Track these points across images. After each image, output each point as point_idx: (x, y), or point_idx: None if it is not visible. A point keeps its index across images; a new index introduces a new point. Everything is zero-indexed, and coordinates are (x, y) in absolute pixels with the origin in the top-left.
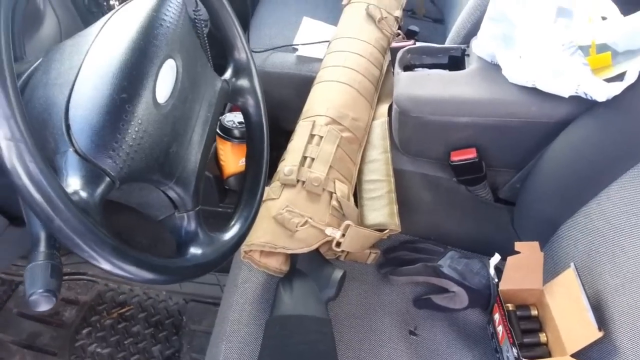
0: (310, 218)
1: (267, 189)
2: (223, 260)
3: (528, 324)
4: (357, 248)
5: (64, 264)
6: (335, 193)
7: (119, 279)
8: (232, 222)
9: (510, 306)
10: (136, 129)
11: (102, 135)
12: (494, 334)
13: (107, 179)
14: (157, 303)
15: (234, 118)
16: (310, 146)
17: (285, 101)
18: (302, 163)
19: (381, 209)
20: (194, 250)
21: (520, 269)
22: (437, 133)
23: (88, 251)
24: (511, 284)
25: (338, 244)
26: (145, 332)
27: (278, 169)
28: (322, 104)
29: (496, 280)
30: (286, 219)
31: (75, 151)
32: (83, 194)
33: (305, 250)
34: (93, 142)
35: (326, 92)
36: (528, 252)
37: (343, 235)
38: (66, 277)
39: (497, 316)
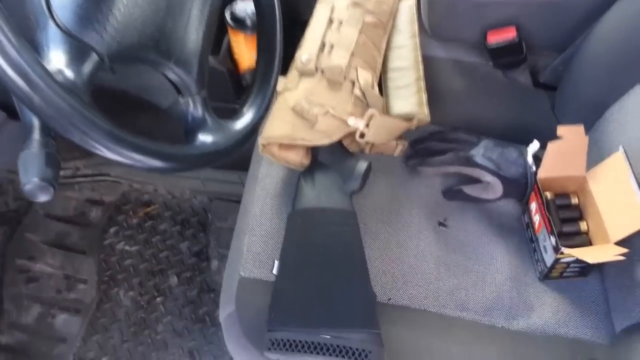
0: (332, 108)
1: (282, 79)
2: (235, 149)
3: (567, 213)
4: (382, 139)
5: (86, 166)
6: (358, 81)
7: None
8: (244, 110)
9: (548, 194)
10: (124, 1)
11: (84, 7)
12: (530, 224)
13: (95, 55)
14: (182, 202)
15: (245, 7)
16: (329, 31)
17: None
18: (320, 50)
19: (409, 98)
20: (203, 137)
21: (561, 155)
22: (471, 12)
23: (77, 134)
24: (551, 171)
25: (362, 135)
26: (172, 229)
27: (295, 57)
28: None
29: (534, 168)
30: (305, 109)
31: (57, 24)
32: (68, 73)
33: (327, 142)
34: (75, 14)
35: None
36: (571, 136)
37: (367, 125)
38: (89, 179)
39: (533, 205)
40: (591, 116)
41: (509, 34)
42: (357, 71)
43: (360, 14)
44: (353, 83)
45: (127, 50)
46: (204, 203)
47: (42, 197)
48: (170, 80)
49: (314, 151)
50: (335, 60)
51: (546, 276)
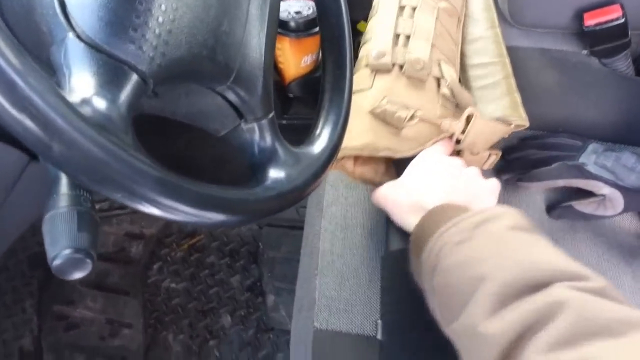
0: (419, 110)
1: (358, 74)
2: (315, 183)
3: None
4: (478, 147)
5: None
6: (444, 77)
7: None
8: (318, 130)
9: None
10: None
11: (113, 9)
12: None
13: (135, 76)
14: (229, 231)
15: (288, 7)
16: (401, 20)
17: None
18: (394, 42)
19: (499, 100)
20: (276, 173)
21: None
22: None
23: (118, 189)
24: None
25: (458, 141)
26: (220, 262)
27: (360, 54)
28: None
29: None
30: (389, 112)
31: (78, 36)
32: (98, 103)
33: (417, 151)
34: (101, 19)
35: None
36: None
37: (463, 130)
38: (127, 210)
39: None
40: None
41: (612, 13)
42: (440, 66)
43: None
44: (438, 80)
45: (177, 64)
46: (253, 231)
47: (78, 274)
48: (229, 102)
49: (398, 165)
50: (415, 53)
51: None
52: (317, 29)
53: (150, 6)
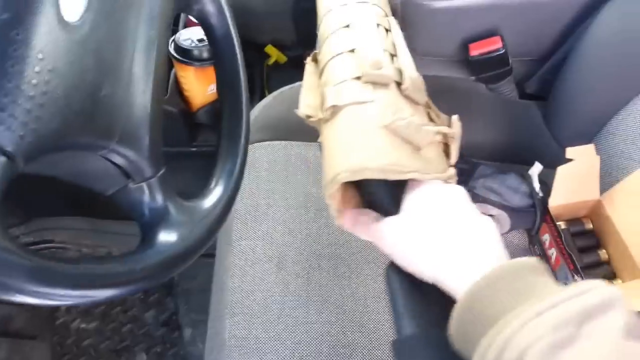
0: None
1: (343, 86)
2: (209, 241)
3: (583, 241)
4: None
5: (25, 233)
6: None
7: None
8: (213, 182)
9: (562, 224)
10: (37, 68)
11: None
12: (543, 257)
13: (1, 158)
14: None
15: (191, 35)
16: (381, 37)
17: (249, 6)
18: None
19: None
20: (166, 236)
21: (572, 179)
22: (449, 23)
23: None
24: (563, 198)
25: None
26: (133, 297)
27: (338, 61)
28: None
29: (541, 194)
30: (414, 126)
31: None
32: None
33: (437, 177)
34: None
35: None
36: (581, 157)
37: None
38: (31, 247)
39: (546, 237)
40: (589, 129)
41: (493, 44)
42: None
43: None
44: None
45: (50, 138)
46: None
47: None
48: (114, 164)
49: (397, 197)
50: (409, 69)
51: None
52: None
53: (20, 83)
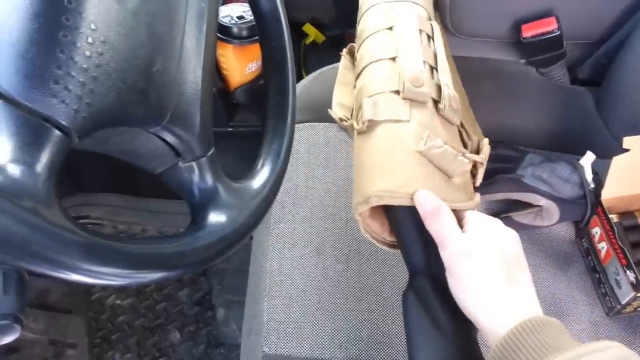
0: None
1: (381, 98)
2: (258, 222)
3: (636, 235)
4: None
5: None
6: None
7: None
8: (260, 161)
9: (614, 217)
10: (89, 39)
11: (32, 59)
12: (591, 251)
13: (57, 132)
14: None
15: (230, 12)
16: (423, 45)
17: None
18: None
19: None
20: (216, 217)
21: (627, 170)
22: (502, 3)
23: (41, 262)
24: (617, 190)
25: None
26: None
27: (365, 80)
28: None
29: (593, 185)
30: (449, 155)
31: None
32: (14, 169)
33: (472, 206)
34: (19, 72)
35: None
36: (638, 147)
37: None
38: None
39: (596, 230)
40: None
41: (548, 26)
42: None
43: (436, 23)
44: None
45: (104, 114)
46: None
47: (4, 340)
48: (165, 141)
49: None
50: (448, 87)
51: (617, 312)
52: None
53: (73, 54)
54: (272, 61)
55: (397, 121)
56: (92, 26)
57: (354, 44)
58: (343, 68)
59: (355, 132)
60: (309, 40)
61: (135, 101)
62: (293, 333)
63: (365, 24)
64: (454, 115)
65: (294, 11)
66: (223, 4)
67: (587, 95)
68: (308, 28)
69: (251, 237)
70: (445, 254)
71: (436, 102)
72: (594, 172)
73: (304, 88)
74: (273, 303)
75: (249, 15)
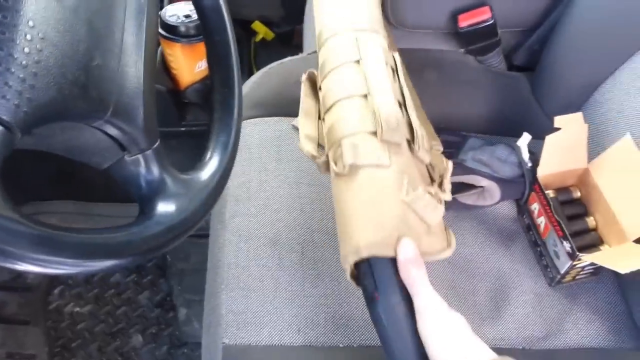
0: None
1: (360, 141)
2: (206, 212)
3: (571, 209)
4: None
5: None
6: (431, 165)
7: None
8: (208, 153)
9: (550, 192)
10: (28, 36)
11: None
12: (532, 226)
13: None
14: None
15: (177, 11)
16: (393, 83)
17: None
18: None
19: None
20: (164, 206)
21: (561, 148)
22: None
23: None
24: (551, 167)
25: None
26: (126, 280)
27: (333, 120)
28: (356, 10)
29: (530, 164)
30: (430, 204)
31: None
32: None
33: (446, 253)
34: None
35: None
36: (569, 126)
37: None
38: None
39: (535, 206)
40: (577, 99)
41: (482, 15)
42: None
43: (394, 53)
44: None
45: (45, 108)
46: None
47: None
48: (109, 135)
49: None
50: (419, 131)
51: (558, 282)
52: None
53: (12, 51)
54: (216, 56)
55: (378, 166)
56: (30, 23)
57: (313, 71)
58: (304, 96)
59: (332, 173)
60: (258, 38)
61: (76, 95)
62: (252, 322)
63: (328, 54)
64: (425, 154)
65: (243, 9)
66: (169, 3)
67: (523, 80)
68: (257, 26)
69: (207, 236)
70: (417, 300)
71: (409, 142)
72: (531, 152)
73: (253, 84)
74: (231, 295)
75: (196, 15)
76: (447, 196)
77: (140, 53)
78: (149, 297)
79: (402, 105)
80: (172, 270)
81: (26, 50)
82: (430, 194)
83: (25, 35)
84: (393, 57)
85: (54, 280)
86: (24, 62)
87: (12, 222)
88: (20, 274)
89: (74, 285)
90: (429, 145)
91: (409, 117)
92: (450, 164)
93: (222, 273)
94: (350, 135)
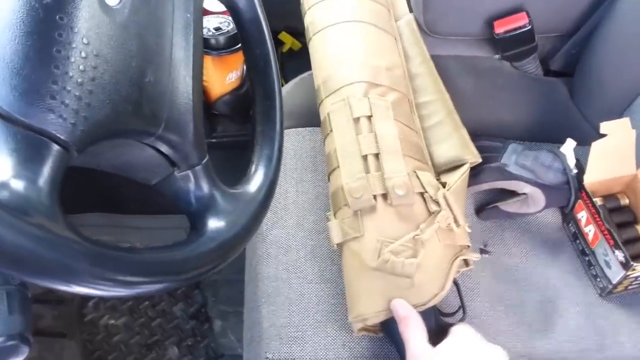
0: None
1: (331, 223)
2: (257, 226)
3: (620, 217)
4: (462, 208)
5: None
6: (427, 192)
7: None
8: (253, 166)
9: (598, 200)
10: (83, 53)
11: (28, 76)
12: (579, 235)
13: (56, 147)
14: None
15: (207, 24)
16: (362, 137)
17: None
18: (366, 169)
19: (449, 139)
20: (215, 222)
21: (608, 154)
22: (474, 2)
23: (51, 276)
24: (598, 174)
25: (456, 222)
26: None
27: (333, 188)
28: (344, 66)
29: (575, 171)
30: (398, 264)
31: None
32: (17, 184)
33: (442, 296)
34: (16, 89)
35: (338, 46)
36: (616, 131)
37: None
38: None
39: (582, 214)
40: (618, 104)
41: (519, 21)
42: (418, 177)
43: (381, 96)
44: (422, 195)
45: (101, 126)
46: None
47: None
48: (159, 152)
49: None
50: (393, 175)
51: (609, 292)
52: (239, 44)
53: (68, 69)
54: (256, 68)
55: (354, 238)
56: (85, 40)
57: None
58: None
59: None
60: (285, 49)
61: (130, 112)
62: (295, 337)
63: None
64: (405, 199)
65: (269, 20)
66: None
67: (560, 86)
68: (284, 36)
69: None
70: (407, 356)
71: (385, 196)
72: (576, 159)
73: (286, 95)
74: (272, 309)
75: (226, 26)
76: (426, 237)
77: (189, 68)
78: (184, 308)
79: (377, 156)
80: (205, 282)
81: (81, 67)
82: (408, 243)
83: (80, 53)
84: (368, 100)
85: None
86: (79, 80)
87: (73, 242)
88: None
89: (108, 298)
90: (408, 189)
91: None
92: (441, 193)
93: (262, 286)
94: (337, 210)
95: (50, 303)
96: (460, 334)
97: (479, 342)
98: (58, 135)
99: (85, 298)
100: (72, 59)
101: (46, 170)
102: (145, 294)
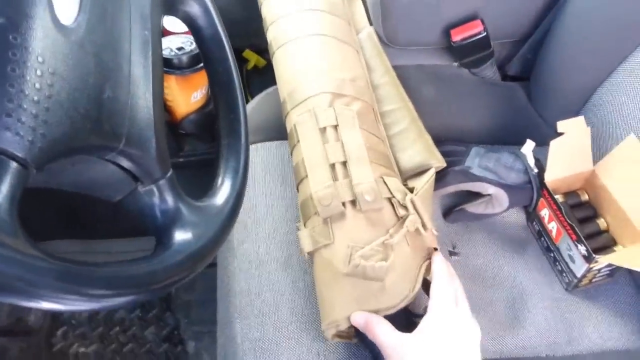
0: (391, 248)
1: (306, 234)
2: (224, 238)
3: (581, 212)
4: (429, 211)
5: None
6: (394, 197)
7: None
8: (219, 179)
9: (559, 197)
10: (38, 72)
11: None
12: (543, 232)
13: (14, 164)
14: None
15: (169, 44)
16: (329, 146)
17: (225, 11)
18: (334, 177)
19: (413, 145)
20: (182, 236)
21: (565, 152)
22: (430, 12)
23: (14, 293)
24: (558, 171)
25: (424, 226)
26: (131, 316)
27: (302, 198)
28: (309, 78)
29: (536, 170)
30: (369, 268)
31: None
32: None
33: (412, 297)
34: None
35: (301, 59)
36: (572, 130)
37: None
38: None
39: (545, 212)
40: (574, 104)
41: (474, 28)
42: (385, 182)
43: (346, 106)
44: (390, 200)
45: (59, 143)
46: None
47: None
48: (121, 167)
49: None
50: (360, 181)
51: (575, 286)
52: (202, 63)
53: (23, 87)
54: (219, 84)
55: (324, 246)
56: (40, 59)
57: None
58: None
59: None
60: (250, 66)
61: (89, 129)
62: (269, 349)
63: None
64: (374, 204)
65: (233, 38)
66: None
67: (518, 90)
68: (248, 54)
69: (215, 264)
70: (383, 350)
71: (354, 202)
72: (536, 159)
73: (252, 110)
74: (246, 323)
75: (188, 46)
76: (395, 241)
77: (149, 84)
78: (156, 332)
79: (345, 164)
80: (177, 303)
81: (37, 85)
82: (378, 247)
83: (36, 71)
84: (334, 110)
85: (56, 321)
86: (35, 98)
87: (35, 259)
88: (21, 318)
89: (78, 325)
90: (376, 196)
91: (351, 177)
92: (409, 198)
93: (234, 301)
94: (307, 220)
95: (17, 335)
96: (439, 312)
97: (457, 319)
98: (15, 152)
99: (54, 327)
100: (28, 77)
101: (4, 187)
102: (114, 307)
